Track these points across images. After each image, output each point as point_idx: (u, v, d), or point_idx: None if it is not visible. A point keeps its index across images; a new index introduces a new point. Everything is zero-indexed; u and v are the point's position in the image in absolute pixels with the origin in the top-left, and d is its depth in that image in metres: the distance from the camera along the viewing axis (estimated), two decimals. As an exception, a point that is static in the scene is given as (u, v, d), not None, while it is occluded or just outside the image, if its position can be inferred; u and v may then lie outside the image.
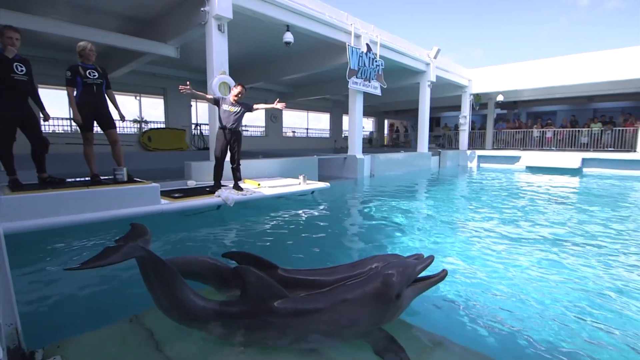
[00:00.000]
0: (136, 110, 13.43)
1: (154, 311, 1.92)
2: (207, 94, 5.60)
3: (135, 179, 4.65)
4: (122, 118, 4.98)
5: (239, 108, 5.34)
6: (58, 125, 11.54)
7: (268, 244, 3.93)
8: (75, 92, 4.38)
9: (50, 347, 1.64)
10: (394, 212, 5.69)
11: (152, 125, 13.66)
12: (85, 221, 3.75)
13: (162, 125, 13.81)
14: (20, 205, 3.43)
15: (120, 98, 13.27)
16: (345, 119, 20.85)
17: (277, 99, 5.66)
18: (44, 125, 11.10)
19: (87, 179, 4.64)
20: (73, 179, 4.70)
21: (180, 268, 2.02)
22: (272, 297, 1.74)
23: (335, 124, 22.27)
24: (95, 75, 4.42)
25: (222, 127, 5.31)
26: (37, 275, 2.96)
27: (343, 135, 22.06)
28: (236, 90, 5.31)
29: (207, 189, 5.40)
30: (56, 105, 12.07)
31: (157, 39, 7.89)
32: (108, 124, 4.68)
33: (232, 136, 5.36)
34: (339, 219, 5.48)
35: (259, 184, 5.98)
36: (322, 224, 4.95)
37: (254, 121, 17.86)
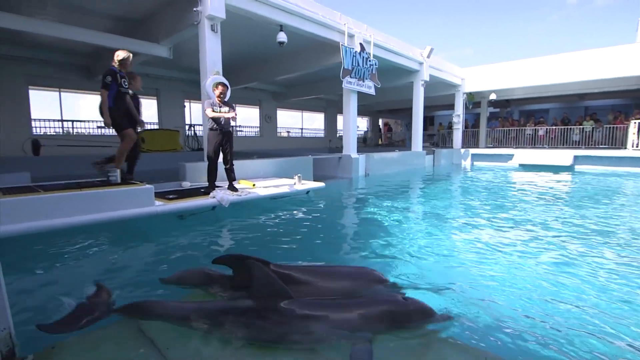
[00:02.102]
0: (129, 111, 13.32)
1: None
2: (206, 104, 5.39)
3: (128, 180, 4.62)
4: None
5: (227, 108, 5.31)
6: (50, 127, 11.40)
7: (263, 244, 3.92)
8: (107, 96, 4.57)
9: (44, 350, 1.63)
10: (389, 210, 5.71)
11: (146, 126, 13.54)
12: (78, 224, 3.71)
13: (156, 126, 13.71)
14: (12, 208, 3.39)
15: (112, 99, 13.16)
16: (340, 118, 20.88)
17: (234, 114, 5.34)
18: (36, 127, 10.98)
19: (79, 180, 4.59)
20: (65, 181, 4.64)
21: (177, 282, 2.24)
22: (277, 295, 1.80)
23: (330, 124, 22.29)
24: (127, 85, 4.70)
25: (215, 129, 5.28)
26: (31, 278, 2.92)
27: (338, 134, 22.08)
28: (217, 91, 5.28)
29: (202, 190, 5.38)
30: (47, 106, 11.92)
31: (150, 39, 7.83)
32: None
33: (223, 137, 5.33)
34: (334, 218, 5.48)
35: (253, 185, 5.96)
36: (317, 223, 4.95)
37: (249, 121, 17.83)
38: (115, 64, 4.65)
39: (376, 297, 2.07)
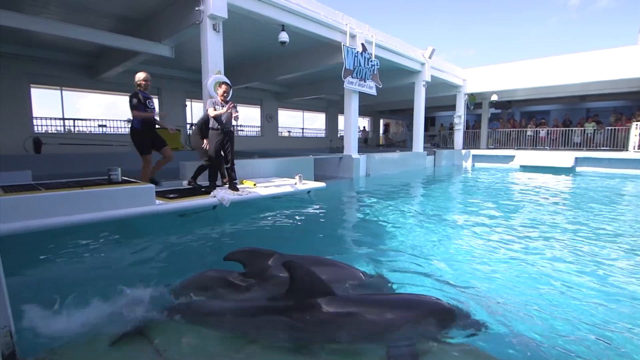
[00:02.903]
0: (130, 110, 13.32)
1: (151, 317, 1.91)
2: (209, 103, 5.44)
3: (129, 179, 4.62)
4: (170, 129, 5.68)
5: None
6: (51, 126, 11.41)
7: (264, 244, 3.91)
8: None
9: (45, 352, 1.62)
10: (389, 211, 5.70)
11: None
12: (79, 222, 3.71)
13: (157, 126, 13.70)
14: (13, 207, 3.39)
15: (114, 98, 13.21)
16: (341, 118, 20.86)
17: (233, 106, 5.31)
18: (38, 125, 11.00)
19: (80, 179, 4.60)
20: (66, 180, 4.64)
21: (194, 286, 2.25)
22: (319, 293, 1.80)
23: (331, 124, 22.28)
24: (152, 105, 4.89)
25: (216, 128, 5.27)
26: (32, 277, 2.92)
27: (339, 135, 22.06)
28: (221, 90, 5.27)
29: (203, 189, 5.38)
30: (48, 105, 11.94)
31: (152, 38, 7.83)
32: (163, 143, 5.21)
33: (225, 136, 5.33)
34: (335, 218, 5.48)
35: (254, 184, 5.96)
36: (318, 224, 4.95)
37: (250, 121, 17.83)
38: (136, 87, 4.89)
39: (418, 297, 2.09)
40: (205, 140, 5.42)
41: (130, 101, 4.79)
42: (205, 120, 5.47)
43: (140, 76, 4.86)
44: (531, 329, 2.11)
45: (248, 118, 17.69)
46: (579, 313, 2.33)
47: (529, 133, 16.54)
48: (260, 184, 6.20)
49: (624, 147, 13.34)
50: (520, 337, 2.02)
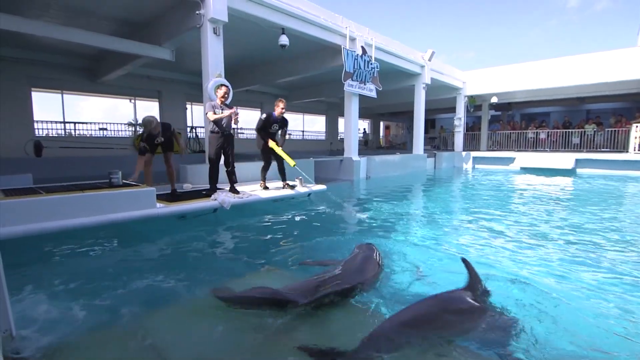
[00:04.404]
0: (131, 113, 13.38)
1: (151, 316, 1.91)
2: (208, 106, 5.44)
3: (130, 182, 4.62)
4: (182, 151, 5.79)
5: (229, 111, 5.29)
6: (51, 129, 11.43)
7: (265, 246, 3.91)
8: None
9: (46, 352, 1.62)
10: (391, 213, 5.70)
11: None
12: (80, 225, 3.71)
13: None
14: (14, 210, 3.39)
15: (114, 101, 13.25)
16: (341, 121, 20.89)
17: (234, 110, 5.33)
18: (38, 129, 11.02)
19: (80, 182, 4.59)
20: (67, 183, 4.64)
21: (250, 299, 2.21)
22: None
23: (331, 126, 22.32)
24: (159, 141, 5.15)
25: (216, 131, 5.27)
26: (33, 281, 2.91)
27: (339, 137, 22.09)
28: (220, 92, 5.26)
29: (204, 192, 5.38)
30: (49, 108, 11.97)
31: (152, 41, 7.86)
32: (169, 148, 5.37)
33: (225, 139, 5.33)
34: (336, 221, 5.47)
35: (294, 164, 5.97)
36: (319, 226, 4.95)
37: (250, 124, 17.85)
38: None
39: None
40: (270, 140, 5.86)
41: (140, 145, 5.15)
42: (262, 123, 5.84)
43: (146, 123, 5.07)
44: (532, 330, 2.10)
45: (248, 121, 17.74)
46: (594, 316, 2.32)
47: (529, 135, 16.56)
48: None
49: (624, 148, 13.34)
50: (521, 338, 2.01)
